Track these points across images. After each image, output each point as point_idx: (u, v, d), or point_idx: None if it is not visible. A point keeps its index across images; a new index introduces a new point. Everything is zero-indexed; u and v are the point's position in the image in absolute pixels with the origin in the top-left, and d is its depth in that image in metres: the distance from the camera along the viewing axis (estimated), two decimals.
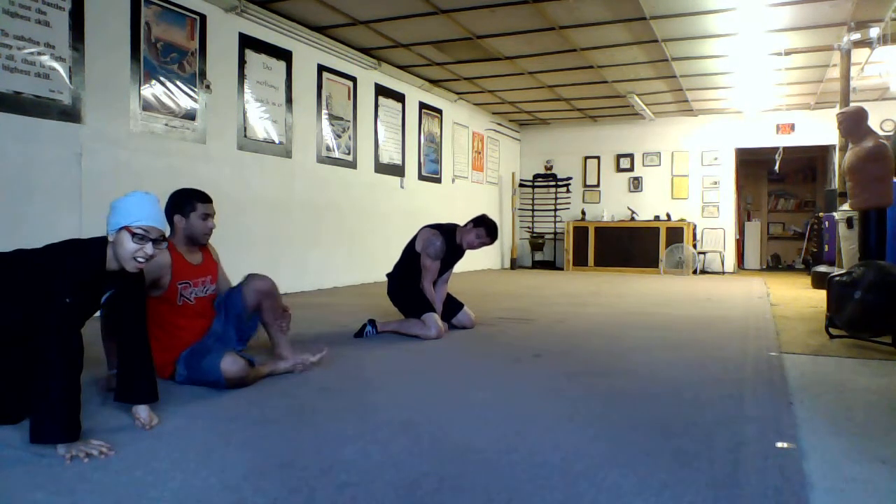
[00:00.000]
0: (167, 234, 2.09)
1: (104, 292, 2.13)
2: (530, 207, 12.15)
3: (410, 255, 4.17)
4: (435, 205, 9.26)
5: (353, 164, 7.58)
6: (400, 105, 8.53)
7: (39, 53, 4.22)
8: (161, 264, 2.60)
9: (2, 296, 1.98)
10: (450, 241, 4.15)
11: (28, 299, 1.93)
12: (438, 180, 9.59)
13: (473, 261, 10.13)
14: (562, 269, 11.53)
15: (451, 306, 4.31)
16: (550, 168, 12.21)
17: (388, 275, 4.29)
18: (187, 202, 2.71)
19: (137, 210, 2.03)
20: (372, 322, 4.01)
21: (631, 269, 10.82)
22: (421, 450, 1.93)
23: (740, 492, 1.64)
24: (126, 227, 2.00)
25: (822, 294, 5.36)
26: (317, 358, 2.98)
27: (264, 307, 2.90)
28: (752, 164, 12.99)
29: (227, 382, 2.56)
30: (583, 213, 11.67)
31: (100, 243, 2.04)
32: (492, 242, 4.24)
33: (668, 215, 10.97)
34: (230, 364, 2.56)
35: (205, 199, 2.75)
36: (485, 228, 4.14)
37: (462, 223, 4.29)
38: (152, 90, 5.04)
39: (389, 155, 8.32)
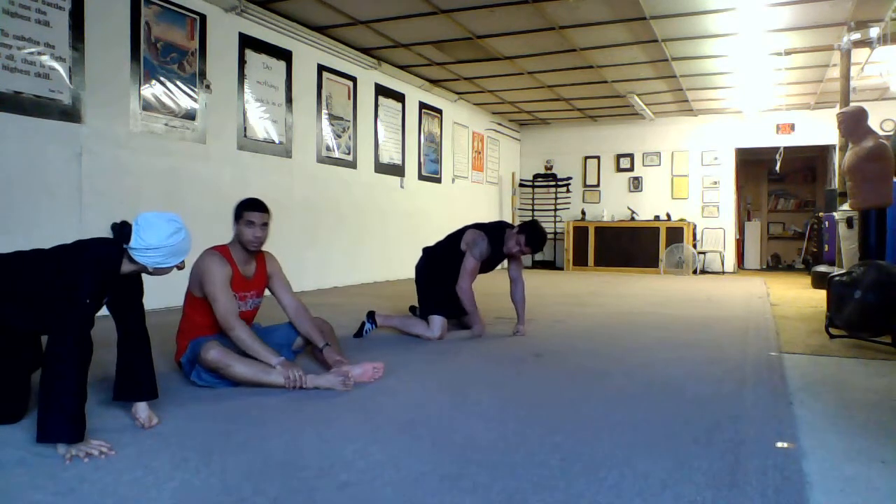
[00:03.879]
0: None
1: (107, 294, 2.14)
2: (530, 207, 12.14)
3: (452, 246, 4.06)
4: (435, 205, 9.26)
5: (353, 164, 7.58)
6: (400, 105, 8.52)
7: (39, 53, 4.22)
8: (228, 276, 2.67)
9: (23, 296, 2.00)
10: (495, 243, 4.01)
11: (47, 299, 1.95)
12: (438, 180, 9.58)
13: None
14: (562, 269, 11.53)
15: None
16: (550, 168, 12.21)
17: (425, 249, 4.24)
18: (239, 209, 2.77)
19: (187, 248, 2.11)
20: (370, 316, 3.96)
21: (631, 269, 10.81)
22: (421, 450, 1.93)
23: (740, 492, 1.64)
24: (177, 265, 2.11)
25: (822, 294, 5.36)
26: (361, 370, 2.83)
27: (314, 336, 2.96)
28: (752, 164, 13.00)
29: (201, 363, 2.58)
30: (583, 213, 11.67)
31: (118, 249, 2.05)
32: (534, 252, 4.10)
33: (668, 215, 10.97)
34: (208, 349, 2.56)
35: (253, 207, 2.77)
36: (526, 236, 3.95)
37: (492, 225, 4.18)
38: (152, 90, 5.04)
39: (389, 155, 8.31)
